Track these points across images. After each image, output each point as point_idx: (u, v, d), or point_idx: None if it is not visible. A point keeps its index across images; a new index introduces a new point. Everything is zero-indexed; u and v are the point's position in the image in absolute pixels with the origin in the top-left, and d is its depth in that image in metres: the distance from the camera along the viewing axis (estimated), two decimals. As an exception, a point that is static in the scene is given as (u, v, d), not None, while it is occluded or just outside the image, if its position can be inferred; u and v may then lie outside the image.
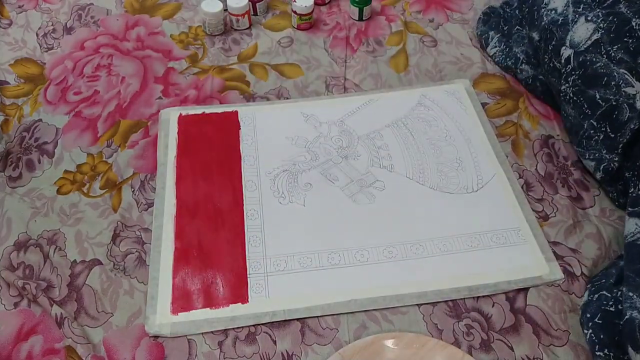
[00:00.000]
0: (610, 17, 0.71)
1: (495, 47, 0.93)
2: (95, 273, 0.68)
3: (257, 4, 1.02)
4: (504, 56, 0.91)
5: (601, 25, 0.72)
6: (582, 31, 0.74)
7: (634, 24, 0.68)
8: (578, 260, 0.69)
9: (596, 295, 0.62)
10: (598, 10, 0.72)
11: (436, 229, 0.71)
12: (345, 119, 0.85)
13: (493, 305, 0.65)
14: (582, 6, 0.75)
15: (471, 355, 0.61)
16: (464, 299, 0.65)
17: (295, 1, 0.97)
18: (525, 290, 0.66)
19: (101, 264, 0.69)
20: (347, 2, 1.04)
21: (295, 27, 1.01)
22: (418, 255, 0.69)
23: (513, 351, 0.61)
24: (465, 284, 0.66)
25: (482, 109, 0.85)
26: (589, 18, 0.73)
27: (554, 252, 0.69)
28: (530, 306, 0.65)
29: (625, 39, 0.69)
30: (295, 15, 0.99)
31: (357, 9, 1.01)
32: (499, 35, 0.93)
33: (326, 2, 1.06)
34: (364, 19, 1.02)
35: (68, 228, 0.72)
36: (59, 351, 0.62)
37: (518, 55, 0.88)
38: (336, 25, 1.02)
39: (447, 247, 0.69)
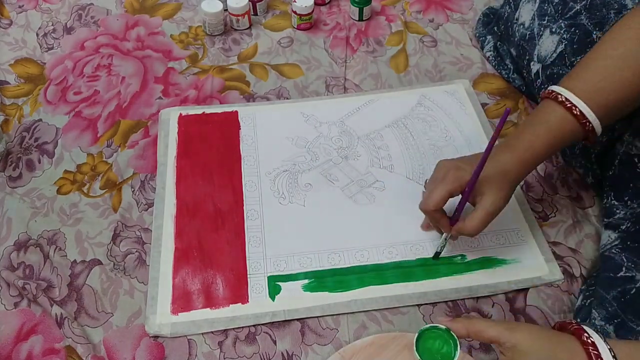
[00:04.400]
0: (573, 29, 0.71)
1: (490, 51, 0.93)
2: (95, 273, 0.68)
3: (257, 4, 1.02)
4: (496, 63, 0.91)
5: (565, 36, 0.72)
6: (548, 44, 0.75)
7: (594, 36, 0.69)
8: (578, 261, 0.69)
9: (588, 301, 0.62)
10: (561, 21, 0.72)
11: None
12: (345, 119, 0.85)
13: (493, 306, 0.65)
14: (546, 18, 0.76)
15: (471, 355, 0.61)
16: (464, 299, 0.65)
17: (295, 1, 0.97)
18: (524, 290, 0.66)
19: (101, 264, 0.69)
20: (347, 2, 1.04)
21: (295, 27, 1.01)
22: (418, 255, 0.69)
23: (513, 351, 0.61)
24: (465, 284, 0.66)
25: (482, 110, 0.86)
26: (553, 30, 0.74)
27: (554, 253, 0.69)
28: (530, 306, 0.65)
29: (588, 50, 0.69)
30: (295, 15, 0.99)
31: (357, 9, 1.01)
32: (494, 41, 0.93)
33: (326, 2, 1.06)
34: (364, 19, 1.02)
35: (68, 228, 0.72)
36: (59, 351, 0.62)
37: (509, 66, 0.89)
38: (336, 26, 1.02)
39: (447, 247, 0.69)
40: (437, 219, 0.62)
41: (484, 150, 0.56)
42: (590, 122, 0.57)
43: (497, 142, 0.79)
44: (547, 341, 0.48)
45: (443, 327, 0.52)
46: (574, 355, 0.46)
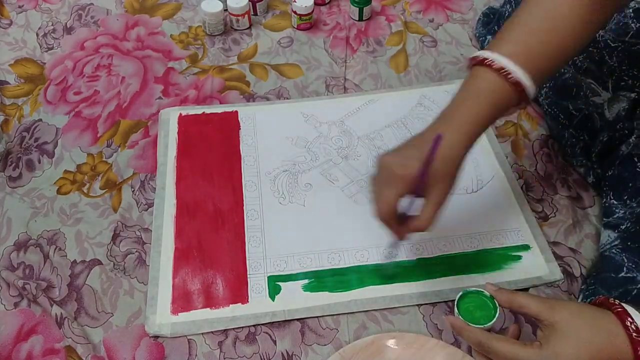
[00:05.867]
0: None
1: None
2: (95, 273, 0.68)
3: (257, 4, 1.02)
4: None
5: None
6: None
7: (597, 34, 0.68)
8: (578, 261, 0.69)
9: (588, 301, 0.62)
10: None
11: (436, 230, 0.71)
12: (345, 119, 0.85)
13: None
14: None
15: (471, 355, 0.61)
16: (464, 299, 0.65)
17: (295, 1, 0.97)
18: (525, 290, 0.66)
19: (101, 264, 0.69)
20: (347, 2, 1.04)
21: (295, 27, 1.01)
22: (418, 255, 0.69)
23: (513, 351, 0.61)
24: (465, 284, 0.66)
25: (482, 109, 0.85)
26: None
27: (554, 253, 0.69)
28: (530, 306, 0.65)
29: (591, 49, 0.69)
30: (295, 15, 0.99)
31: (357, 9, 1.01)
32: None
33: (326, 2, 1.06)
34: (364, 19, 1.02)
35: (68, 228, 0.72)
36: (59, 351, 0.62)
37: None
38: (336, 25, 1.02)
39: (447, 248, 0.69)
40: (390, 224, 0.56)
41: (423, 133, 0.54)
42: (524, 87, 0.53)
43: (496, 142, 0.80)
44: (586, 323, 0.48)
45: (487, 294, 0.56)
46: (613, 337, 0.46)
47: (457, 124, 0.54)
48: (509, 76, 0.53)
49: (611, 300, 0.50)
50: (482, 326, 0.55)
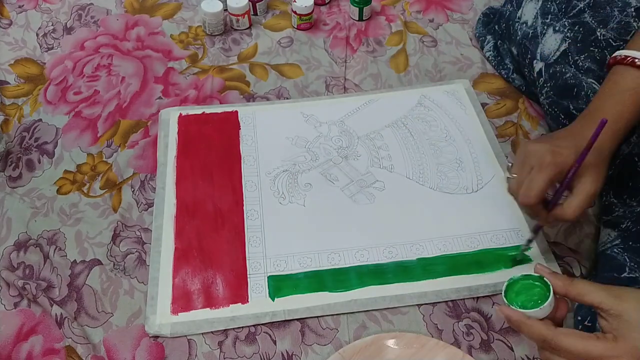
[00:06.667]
0: (577, 27, 0.71)
1: (490, 51, 0.93)
2: (95, 273, 0.68)
3: (257, 4, 1.02)
4: (496, 63, 0.91)
5: (568, 34, 0.72)
6: (551, 42, 0.74)
7: (598, 34, 0.68)
8: (578, 261, 0.69)
9: None
10: (564, 19, 0.72)
11: (436, 230, 0.71)
12: (345, 119, 0.85)
13: (493, 306, 0.65)
14: (549, 17, 0.76)
15: (471, 355, 0.61)
16: (464, 299, 0.65)
17: (295, 1, 0.97)
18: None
19: (101, 264, 0.69)
20: (347, 2, 1.04)
21: (295, 27, 1.01)
22: (418, 255, 0.69)
23: (513, 351, 0.61)
24: (465, 284, 0.66)
25: (482, 109, 0.86)
26: (556, 28, 0.74)
27: (554, 253, 0.69)
28: (530, 306, 0.65)
29: (592, 48, 0.69)
30: (295, 15, 0.99)
31: (357, 9, 1.01)
32: (494, 40, 0.93)
33: (326, 2, 1.06)
34: (364, 19, 1.02)
35: (68, 228, 0.72)
36: (59, 351, 0.62)
37: (509, 66, 0.89)
38: (336, 25, 1.02)
39: (447, 248, 0.69)
40: (538, 210, 0.58)
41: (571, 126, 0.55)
42: None
43: (496, 142, 0.80)
44: None
45: (536, 275, 0.50)
46: None
47: (609, 122, 0.54)
48: None
49: None
50: (537, 309, 0.48)
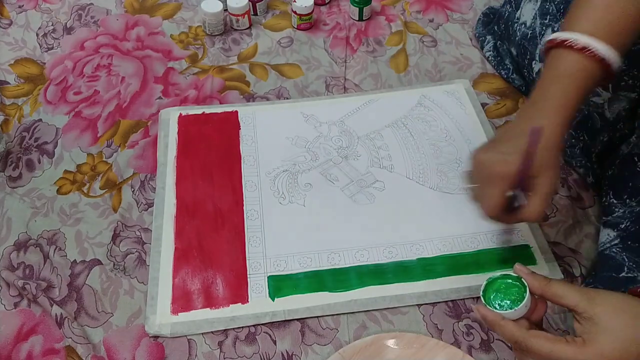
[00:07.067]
0: None
1: (490, 51, 0.93)
2: (95, 273, 0.68)
3: (257, 4, 1.02)
4: (496, 63, 0.91)
5: None
6: None
7: None
8: (578, 261, 0.69)
9: None
10: (562, 20, 0.72)
11: (436, 230, 0.71)
12: (345, 119, 0.85)
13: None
14: (548, 17, 0.75)
15: (471, 355, 0.61)
16: (464, 299, 0.65)
17: (295, 1, 0.97)
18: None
19: (101, 264, 0.69)
20: (347, 2, 1.04)
21: (295, 27, 1.01)
22: (418, 255, 0.69)
23: (513, 351, 0.61)
24: (465, 284, 0.66)
25: (482, 109, 0.86)
26: (555, 29, 0.73)
27: (554, 252, 0.69)
28: (530, 306, 0.65)
29: None
30: (295, 16, 0.99)
31: (357, 9, 1.01)
32: (494, 41, 0.93)
33: (326, 2, 1.06)
34: (364, 19, 1.02)
35: (68, 228, 0.72)
36: (59, 351, 0.62)
37: (508, 66, 0.89)
38: (336, 25, 1.02)
39: (447, 248, 0.69)
40: (502, 218, 0.57)
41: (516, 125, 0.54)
42: (610, 62, 0.53)
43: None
44: (629, 318, 0.44)
45: (515, 276, 0.50)
46: None
47: (548, 112, 0.54)
48: (594, 54, 0.52)
49: None
50: (512, 310, 0.49)
